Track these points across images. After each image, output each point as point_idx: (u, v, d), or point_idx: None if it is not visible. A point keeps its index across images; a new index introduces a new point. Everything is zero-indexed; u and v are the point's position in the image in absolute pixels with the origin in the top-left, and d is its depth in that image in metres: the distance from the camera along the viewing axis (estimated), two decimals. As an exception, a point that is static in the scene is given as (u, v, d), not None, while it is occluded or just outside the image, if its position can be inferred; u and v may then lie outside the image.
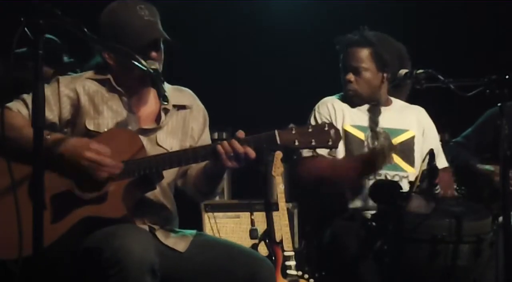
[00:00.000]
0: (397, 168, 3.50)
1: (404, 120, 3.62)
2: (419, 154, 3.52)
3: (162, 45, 2.75)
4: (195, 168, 2.81)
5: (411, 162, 3.53)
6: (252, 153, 2.54)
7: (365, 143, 3.51)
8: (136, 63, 2.52)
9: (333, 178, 3.38)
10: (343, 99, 3.61)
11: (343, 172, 3.37)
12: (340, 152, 3.49)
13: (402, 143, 3.54)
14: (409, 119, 3.63)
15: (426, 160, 3.03)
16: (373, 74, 3.54)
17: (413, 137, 3.58)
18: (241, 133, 2.57)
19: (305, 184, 3.55)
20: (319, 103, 3.62)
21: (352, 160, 3.43)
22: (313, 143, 2.54)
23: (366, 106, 3.59)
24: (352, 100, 3.57)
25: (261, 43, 5.21)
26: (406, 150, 3.55)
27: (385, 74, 3.54)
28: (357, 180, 3.39)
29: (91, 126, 2.70)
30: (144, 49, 2.65)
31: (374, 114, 3.58)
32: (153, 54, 2.68)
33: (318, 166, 3.44)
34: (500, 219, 3.06)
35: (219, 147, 2.54)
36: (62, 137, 2.57)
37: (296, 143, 2.53)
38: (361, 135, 3.52)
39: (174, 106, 2.83)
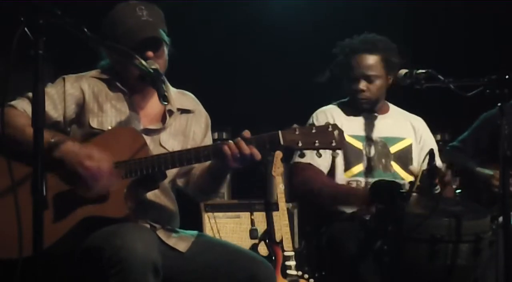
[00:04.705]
0: (396, 176, 3.50)
1: (401, 128, 3.61)
2: (417, 161, 3.52)
3: (165, 48, 2.75)
4: (199, 168, 2.81)
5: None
6: (257, 154, 2.52)
7: (364, 152, 3.51)
8: (136, 62, 2.52)
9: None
10: (341, 108, 3.61)
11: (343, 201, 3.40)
12: (339, 162, 3.49)
13: (400, 151, 3.55)
14: (406, 127, 3.63)
15: (426, 160, 3.03)
16: (383, 81, 3.53)
17: (410, 145, 3.58)
18: (247, 133, 2.54)
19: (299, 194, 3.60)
20: (317, 111, 3.61)
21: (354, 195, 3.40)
22: (317, 144, 2.52)
23: (363, 115, 3.59)
24: (363, 108, 3.56)
25: (261, 43, 5.21)
26: (404, 158, 3.55)
27: (390, 79, 3.55)
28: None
29: (94, 124, 2.71)
30: (139, 48, 2.64)
31: (371, 123, 3.57)
32: (149, 53, 2.67)
33: (319, 183, 3.45)
34: (500, 219, 3.06)
35: (225, 147, 2.52)
36: (64, 139, 2.55)
37: (300, 144, 2.52)
38: (359, 145, 3.51)
39: (178, 109, 2.84)
